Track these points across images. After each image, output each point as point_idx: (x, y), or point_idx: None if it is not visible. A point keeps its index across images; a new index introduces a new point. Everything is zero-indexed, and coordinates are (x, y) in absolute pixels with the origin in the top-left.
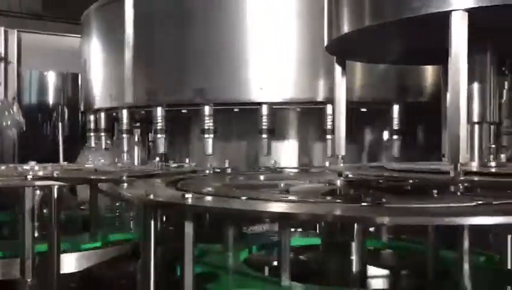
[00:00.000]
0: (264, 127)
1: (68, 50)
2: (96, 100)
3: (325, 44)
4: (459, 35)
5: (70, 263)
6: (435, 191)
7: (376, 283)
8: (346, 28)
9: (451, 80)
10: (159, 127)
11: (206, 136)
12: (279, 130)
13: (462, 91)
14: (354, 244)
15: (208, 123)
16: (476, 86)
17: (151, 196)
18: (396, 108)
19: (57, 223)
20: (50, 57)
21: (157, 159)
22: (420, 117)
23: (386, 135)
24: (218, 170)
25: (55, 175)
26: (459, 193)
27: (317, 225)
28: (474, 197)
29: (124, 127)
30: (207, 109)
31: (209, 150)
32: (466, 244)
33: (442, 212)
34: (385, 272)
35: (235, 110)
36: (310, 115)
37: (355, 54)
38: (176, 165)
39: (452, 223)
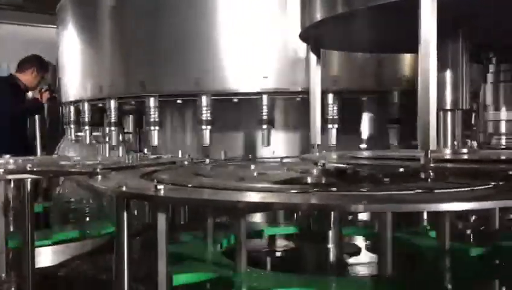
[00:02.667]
0: (264, 118)
1: (48, 41)
2: (74, 92)
3: (299, 32)
4: (428, 22)
5: (46, 256)
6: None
7: (352, 271)
8: (318, 16)
9: (421, 67)
10: (151, 119)
11: (203, 127)
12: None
13: (431, 78)
14: (330, 233)
15: (206, 114)
16: (448, 73)
17: (123, 188)
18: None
19: (30, 216)
20: (29, 48)
21: (145, 150)
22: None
23: (365, 123)
24: (198, 161)
25: (27, 168)
26: (429, 180)
27: (295, 214)
28: (445, 184)
29: (113, 119)
30: (204, 99)
31: (207, 141)
32: (442, 229)
33: (413, 199)
34: (361, 259)
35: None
36: (291, 105)
37: (329, 42)
38: (154, 156)
39: (424, 210)
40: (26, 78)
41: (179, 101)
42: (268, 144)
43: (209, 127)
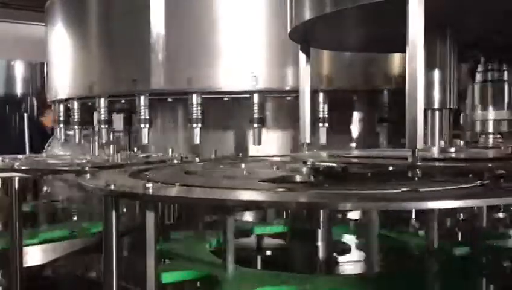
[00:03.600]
0: (255, 116)
1: (37, 39)
2: (61, 90)
3: (288, 31)
4: (416, 22)
5: (35, 255)
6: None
7: (342, 269)
8: (307, 15)
9: (409, 67)
10: (141, 117)
11: (194, 125)
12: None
13: (419, 78)
14: (320, 231)
15: (196, 112)
16: (436, 73)
17: (112, 186)
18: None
19: (18, 215)
20: (18, 46)
21: (135, 149)
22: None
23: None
24: (187, 160)
25: (15, 167)
26: (416, 178)
27: (284, 213)
28: (433, 182)
29: (102, 117)
30: (194, 98)
31: (197, 140)
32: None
33: (398, 197)
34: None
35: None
36: (281, 104)
37: (319, 41)
38: (144, 155)
39: (411, 208)
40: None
41: (169, 100)
42: (259, 142)
43: (199, 125)
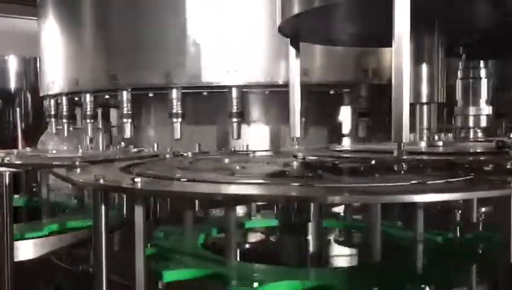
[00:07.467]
0: (233, 111)
1: (31, 33)
2: (55, 85)
3: (277, 25)
4: (402, 16)
5: (27, 249)
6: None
7: (334, 262)
8: (296, 9)
9: (395, 61)
10: (124, 112)
11: (174, 120)
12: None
13: (405, 72)
14: (310, 225)
15: (176, 107)
16: (424, 67)
17: (101, 181)
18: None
19: (9, 210)
20: (10, 41)
21: (123, 144)
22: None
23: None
24: (180, 154)
25: (6, 161)
26: (402, 172)
27: (275, 207)
28: (417, 176)
29: (88, 112)
30: (174, 93)
31: (178, 135)
32: (417, 221)
33: (385, 191)
34: (343, 250)
35: (204, 93)
36: (278, 98)
37: (309, 36)
38: (136, 150)
39: (399, 201)
40: None
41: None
42: (239, 136)
43: (179, 120)
